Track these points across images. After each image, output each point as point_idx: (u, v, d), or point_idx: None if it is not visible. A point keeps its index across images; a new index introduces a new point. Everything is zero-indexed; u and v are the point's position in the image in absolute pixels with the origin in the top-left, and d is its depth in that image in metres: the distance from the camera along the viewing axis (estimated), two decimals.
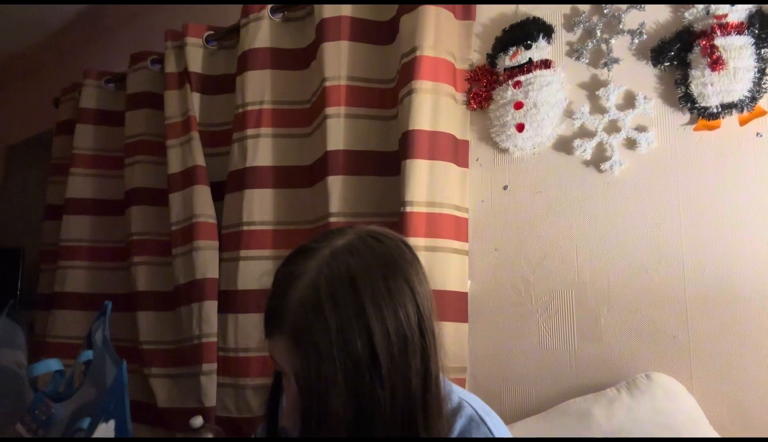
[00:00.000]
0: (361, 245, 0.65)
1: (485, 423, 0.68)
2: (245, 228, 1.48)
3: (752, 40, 1.00)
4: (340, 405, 0.58)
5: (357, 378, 0.59)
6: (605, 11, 1.17)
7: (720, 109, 1.01)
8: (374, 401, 0.59)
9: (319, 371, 0.59)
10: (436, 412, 0.64)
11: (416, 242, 1.18)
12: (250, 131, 1.51)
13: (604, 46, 1.17)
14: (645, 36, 1.12)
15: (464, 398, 0.72)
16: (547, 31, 1.24)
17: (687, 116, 1.07)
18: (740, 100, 0.99)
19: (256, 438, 0.89)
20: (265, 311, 0.66)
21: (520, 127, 1.22)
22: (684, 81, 1.05)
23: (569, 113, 1.20)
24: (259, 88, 1.53)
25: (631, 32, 1.13)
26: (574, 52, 1.21)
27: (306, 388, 0.60)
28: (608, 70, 1.16)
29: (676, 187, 1.06)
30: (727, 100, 1.00)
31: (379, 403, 0.59)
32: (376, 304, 0.60)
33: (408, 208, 1.20)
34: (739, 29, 1.00)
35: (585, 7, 1.20)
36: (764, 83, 0.99)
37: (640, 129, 1.11)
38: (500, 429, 0.70)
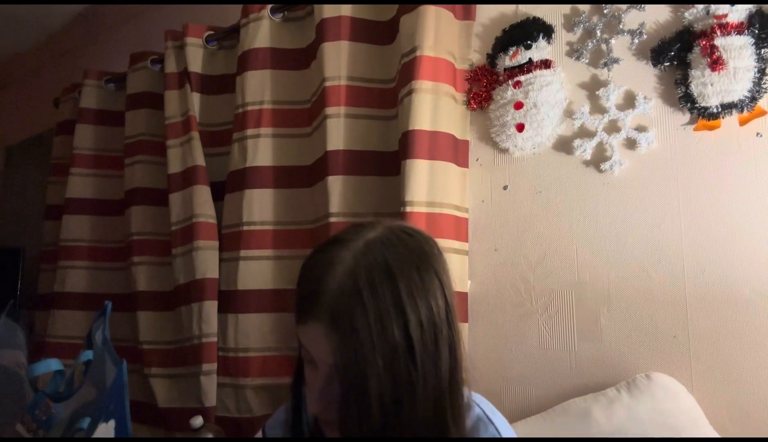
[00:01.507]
0: (394, 238, 0.66)
1: (493, 423, 0.70)
2: (245, 228, 1.48)
3: (752, 40, 1.00)
4: (379, 389, 0.60)
5: (394, 363, 0.60)
6: (605, 11, 1.17)
7: (720, 109, 1.02)
8: (410, 385, 0.61)
9: (358, 356, 0.60)
10: (462, 400, 0.66)
11: None
12: (250, 131, 1.51)
13: (604, 46, 1.17)
14: (645, 36, 1.12)
15: (471, 397, 0.72)
16: (547, 31, 1.24)
17: (687, 116, 1.07)
18: (740, 100, 0.99)
19: (257, 438, 0.89)
20: (297, 297, 0.67)
21: (520, 127, 1.22)
22: (684, 81, 1.05)
23: (569, 113, 1.20)
24: (259, 88, 1.53)
25: (631, 32, 1.13)
26: (574, 52, 1.21)
27: (346, 372, 0.61)
28: (608, 70, 1.16)
29: (676, 187, 1.06)
30: (727, 100, 1.00)
31: (413, 388, 0.61)
32: (410, 294, 0.62)
33: (408, 208, 1.20)
34: (739, 29, 1.00)
35: (585, 7, 1.20)
36: (764, 83, 0.99)
37: (640, 129, 1.11)
38: (507, 429, 0.71)
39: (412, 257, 0.65)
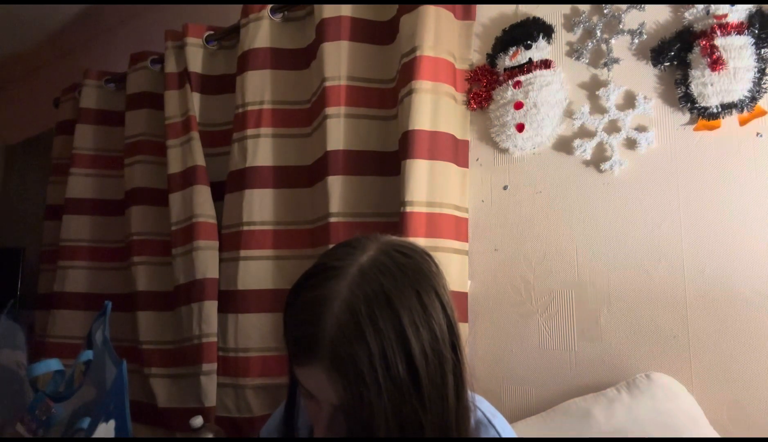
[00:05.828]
0: (389, 261, 0.63)
1: (493, 426, 0.69)
2: (245, 228, 1.48)
3: (752, 40, 1.00)
4: (386, 428, 0.58)
5: (401, 404, 0.58)
6: (605, 11, 1.17)
7: (720, 109, 1.01)
8: (418, 425, 0.59)
9: (364, 399, 0.57)
10: (468, 422, 0.65)
11: (416, 242, 1.18)
12: (250, 131, 1.51)
13: (604, 46, 1.17)
14: (645, 36, 1.12)
15: (473, 399, 0.72)
16: (547, 31, 1.24)
17: (687, 116, 1.07)
18: (740, 100, 0.99)
19: (258, 438, 0.89)
20: (294, 339, 0.62)
21: (520, 127, 1.22)
22: (684, 81, 1.05)
23: (569, 113, 1.20)
24: (259, 88, 1.53)
25: (631, 32, 1.13)
26: (574, 52, 1.21)
27: (353, 414, 0.59)
28: (608, 70, 1.16)
29: (676, 187, 1.06)
30: (727, 100, 1.00)
31: (420, 423, 0.59)
32: (413, 323, 0.59)
33: (408, 208, 1.20)
34: (739, 29, 1.00)
35: (585, 7, 1.20)
36: (764, 83, 0.99)
37: (640, 129, 1.11)
38: (507, 431, 0.71)
39: (410, 281, 0.61)
